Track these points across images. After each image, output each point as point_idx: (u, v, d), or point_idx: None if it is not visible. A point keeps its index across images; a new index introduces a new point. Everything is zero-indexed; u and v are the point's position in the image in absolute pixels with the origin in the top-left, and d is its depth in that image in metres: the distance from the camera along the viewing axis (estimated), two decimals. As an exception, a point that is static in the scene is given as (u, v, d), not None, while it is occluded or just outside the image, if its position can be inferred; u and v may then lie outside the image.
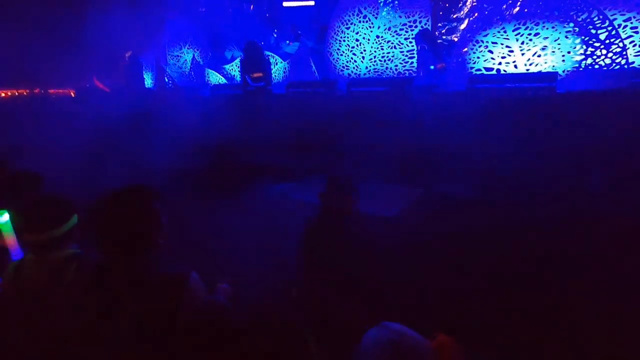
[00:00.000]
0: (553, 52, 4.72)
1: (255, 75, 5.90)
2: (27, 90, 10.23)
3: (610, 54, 4.40)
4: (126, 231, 1.28)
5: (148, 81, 8.72)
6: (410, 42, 5.94)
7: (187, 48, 8.53)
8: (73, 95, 9.86)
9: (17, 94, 10.49)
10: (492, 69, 5.11)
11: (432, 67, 4.70)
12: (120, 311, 1.23)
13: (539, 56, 4.81)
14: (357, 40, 6.42)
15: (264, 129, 4.84)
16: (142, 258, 1.33)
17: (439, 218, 2.77)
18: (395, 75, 6.08)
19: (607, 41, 4.33)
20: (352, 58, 6.50)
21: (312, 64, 6.61)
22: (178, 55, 8.61)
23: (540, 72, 4.71)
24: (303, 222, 2.47)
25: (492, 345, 1.99)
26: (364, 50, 6.39)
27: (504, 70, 5.05)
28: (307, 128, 4.35)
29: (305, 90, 5.66)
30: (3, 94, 10.48)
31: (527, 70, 4.88)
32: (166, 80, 7.79)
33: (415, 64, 5.85)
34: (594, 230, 2.47)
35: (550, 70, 4.72)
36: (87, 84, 9.88)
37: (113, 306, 1.25)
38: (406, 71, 6.08)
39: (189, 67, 8.08)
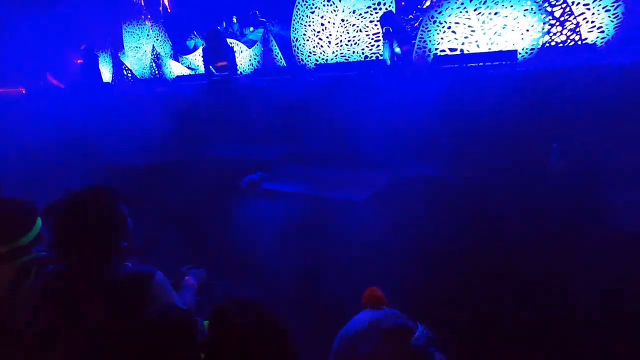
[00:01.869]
0: (513, 30, 4.81)
1: (219, 64, 5.69)
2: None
3: (565, 31, 4.54)
4: (86, 236, 1.21)
5: (107, 75, 8.27)
6: (376, 25, 5.89)
7: (147, 37, 8.11)
8: (24, 93, 9.23)
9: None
10: (455, 49, 5.15)
11: (397, 49, 4.69)
12: (81, 316, 1.16)
13: (499, 35, 4.89)
14: (322, 24, 6.30)
15: (230, 120, 4.71)
16: (103, 262, 1.26)
17: (409, 201, 2.80)
18: (362, 60, 6.04)
19: (562, 18, 4.46)
20: (318, 43, 6.39)
21: (278, 51, 6.46)
22: (137, 46, 8.19)
23: (500, 50, 4.80)
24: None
25: (466, 327, 2.04)
26: (330, 35, 6.29)
27: (467, 50, 5.12)
28: (275, 117, 4.26)
29: (271, 78, 5.53)
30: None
31: (489, 49, 4.96)
32: (124, 73, 7.40)
33: (381, 47, 5.83)
34: (555, 203, 2.56)
35: (511, 49, 4.82)
36: (41, 81, 9.28)
37: (73, 310, 1.18)
38: (373, 54, 6.05)
39: (149, 59, 7.70)
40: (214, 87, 5.27)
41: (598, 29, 4.57)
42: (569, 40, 4.52)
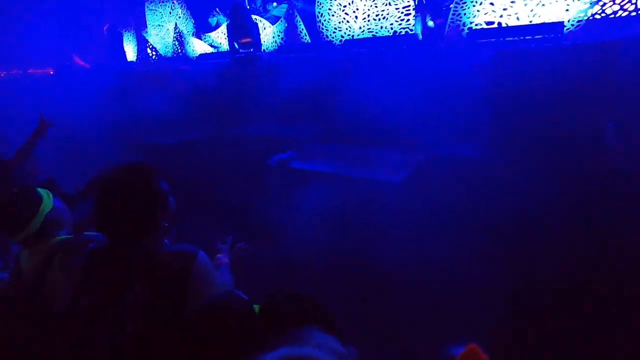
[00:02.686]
0: (557, 0, 4.44)
1: (243, 40, 5.56)
2: (4, 73, 9.75)
3: (617, 0, 4.15)
4: (126, 212, 1.18)
5: (130, 54, 8.28)
6: (406, -2, 5.58)
7: (170, 15, 8.03)
8: (52, 74, 9.41)
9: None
10: (492, 22, 4.82)
11: (430, 23, 4.42)
12: (124, 293, 1.14)
13: (543, 6, 4.52)
14: (349, -2, 6.02)
15: (256, 98, 4.61)
16: (145, 239, 1.23)
17: (447, 181, 2.66)
18: (391, 35, 5.77)
19: (616, -15, 4.06)
20: (344, 18, 6.13)
21: (303, 27, 6.25)
22: (160, 25, 8.12)
23: (543, 23, 4.45)
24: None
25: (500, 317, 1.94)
26: (357, 9, 6.02)
27: (506, 24, 4.78)
28: (304, 94, 4.14)
29: (297, 55, 5.36)
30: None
31: (530, 22, 4.61)
32: (148, 51, 7.38)
33: (412, 22, 5.53)
34: (611, 187, 2.37)
35: (555, 21, 4.46)
36: (67, 62, 9.43)
37: (116, 288, 1.16)
38: (402, 29, 5.76)
39: (172, 37, 7.64)
40: (238, 65, 5.16)
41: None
42: (621, 11, 4.13)
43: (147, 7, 8.24)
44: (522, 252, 2.26)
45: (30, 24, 9.07)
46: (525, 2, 4.67)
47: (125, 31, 8.26)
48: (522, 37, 4.29)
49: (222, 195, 3.15)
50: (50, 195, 1.63)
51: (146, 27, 8.25)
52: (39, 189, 1.62)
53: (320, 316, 0.98)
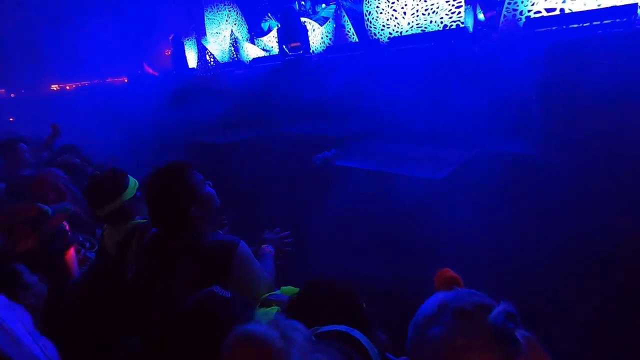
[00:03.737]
0: (631, -21, 4.01)
1: (293, 45, 5.78)
2: (87, 82, 11.06)
3: None
4: (160, 203, 1.38)
5: (192, 61, 8.95)
6: (457, -10, 5.38)
7: (226, 22, 8.55)
8: (126, 82, 10.49)
9: (80, 85, 11.42)
10: (554, 9, 4.49)
11: (480, 15, 4.25)
12: (174, 273, 1.34)
13: (612, -13, 4.12)
14: (396, -6, 5.96)
15: (305, 98, 4.79)
16: (187, 229, 1.41)
17: (493, 179, 2.58)
18: (440, 30, 5.61)
19: None
20: (392, 15, 6.07)
21: (351, 26, 6.31)
22: (217, 32, 8.68)
23: (614, 6, 4.05)
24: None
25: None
26: (405, 5, 5.93)
27: (570, 10, 4.42)
28: (349, 93, 4.22)
29: (343, 54, 5.45)
30: (68, 87, 11.51)
31: (599, 6, 4.22)
32: (207, 58, 7.94)
33: (462, 14, 5.33)
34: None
35: (628, 3, 4.04)
36: (139, 70, 10.44)
37: (168, 267, 1.36)
38: (453, 23, 5.57)
39: (228, 43, 8.13)
40: (287, 67, 5.39)
41: None
42: None
43: (206, 15, 8.85)
44: (573, 253, 2.14)
45: (106, 37, 10.16)
46: (592, -16, 4.28)
47: (187, 40, 8.94)
48: (587, 24, 3.95)
49: (271, 190, 3.35)
50: (137, 184, 1.90)
51: (205, 34, 8.86)
52: (130, 178, 1.90)
53: (351, 314, 1.03)
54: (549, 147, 2.66)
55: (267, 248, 1.78)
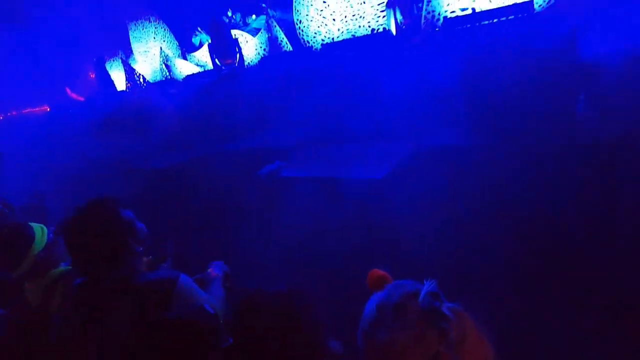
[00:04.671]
0: (526, -21, 4.49)
1: (227, 61, 5.70)
2: (1, 115, 10.00)
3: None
4: (90, 248, 1.27)
5: (120, 83, 8.45)
6: (379, -5, 5.66)
7: (154, 40, 8.19)
8: (48, 110, 9.63)
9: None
10: (466, 9, 4.88)
11: (399, 17, 4.51)
12: (106, 322, 1.23)
13: (511, -14, 4.57)
14: (324, 2, 6.12)
15: (244, 112, 4.72)
16: (120, 268, 1.31)
17: (434, 173, 2.72)
18: (369, 34, 5.84)
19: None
20: (322, 22, 6.22)
21: (283, 36, 6.36)
22: (145, 50, 8.29)
23: (515, 3, 4.50)
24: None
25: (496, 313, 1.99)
26: (333, 12, 6.11)
27: (480, 8, 4.83)
28: (287, 101, 4.23)
29: (278, 64, 5.46)
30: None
31: (503, 3, 4.66)
32: (137, 79, 7.54)
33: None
34: (588, 160, 2.42)
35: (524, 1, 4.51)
36: (62, 97, 9.63)
37: (98, 317, 1.24)
38: (380, 26, 5.83)
39: (158, 61, 7.79)
40: (223, 82, 5.28)
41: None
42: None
43: (131, 34, 8.41)
44: (514, 238, 2.31)
45: (22, 64, 9.28)
46: (495, -16, 4.73)
47: (112, 60, 8.43)
48: (494, 20, 4.35)
49: (218, 211, 3.25)
50: (45, 230, 1.71)
51: (132, 55, 8.42)
52: (34, 225, 1.69)
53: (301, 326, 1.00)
54: (476, 135, 2.87)
55: (214, 272, 1.71)
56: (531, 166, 2.53)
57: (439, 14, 5.07)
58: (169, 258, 1.97)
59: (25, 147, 6.28)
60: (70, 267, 1.64)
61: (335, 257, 2.58)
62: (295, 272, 2.50)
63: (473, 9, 4.91)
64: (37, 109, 10.11)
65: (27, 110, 9.85)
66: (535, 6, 4.31)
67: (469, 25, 4.58)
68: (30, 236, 1.64)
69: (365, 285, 1.00)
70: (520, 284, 2.09)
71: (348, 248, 2.64)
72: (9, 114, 9.99)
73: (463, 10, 5.00)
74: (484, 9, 4.83)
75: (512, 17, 4.23)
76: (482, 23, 4.53)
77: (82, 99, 9.25)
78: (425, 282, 0.81)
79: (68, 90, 9.56)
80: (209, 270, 1.72)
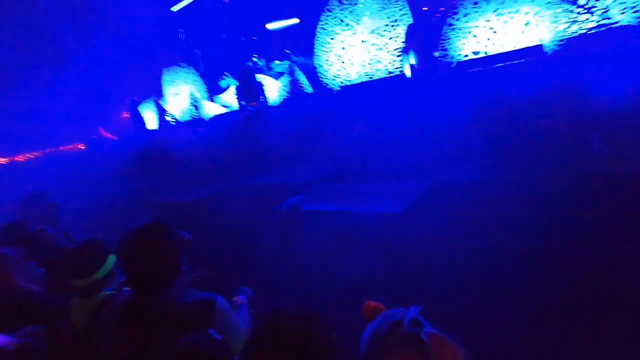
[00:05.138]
0: (537, 25, 4.74)
1: (251, 104, 6.10)
2: (40, 152, 10.70)
3: (594, 17, 4.40)
4: (143, 269, 1.37)
5: (152, 122, 9.03)
6: (395, 41, 6.04)
7: (184, 84, 8.82)
8: (83, 148, 10.27)
9: (32, 156, 10.99)
10: (478, 52, 5.14)
11: (413, 61, 4.79)
12: (152, 344, 1.31)
13: (523, 32, 4.83)
14: (343, 48, 6.56)
15: (267, 150, 4.97)
16: (163, 292, 1.41)
17: (447, 208, 2.80)
18: (385, 76, 6.17)
19: (587, 5, 4.34)
20: (341, 66, 6.63)
21: (304, 79, 6.77)
22: (176, 93, 8.91)
23: (526, 47, 4.73)
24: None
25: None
26: (352, 57, 6.52)
27: (492, 52, 5.08)
28: (306, 141, 4.45)
29: (300, 104, 5.79)
30: (20, 159, 11.03)
31: (514, 47, 4.90)
32: (167, 119, 8.08)
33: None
34: (603, 196, 2.46)
35: (538, 43, 4.73)
36: (95, 136, 10.26)
37: (145, 339, 1.32)
38: (396, 69, 6.17)
39: (188, 102, 8.36)
40: (248, 121, 5.62)
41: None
42: (599, 26, 4.37)
43: (164, 78, 9.11)
44: (529, 266, 2.33)
45: (60, 103, 9.98)
46: (507, 30, 5.00)
47: (145, 102, 9.07)
48: (506, 63, 4.57)
49: (240, 242, 3.37)
50: (114, 258, 1.83)
51: (163, 96, 9.06)
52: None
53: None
54: (489, 170, 2.96)
55: (240, 299, 1.80)
56: (544, 200, 2.58)
57: (452, 57, 5.36)
58: (198, 285, 2.09)
59: (66, 181, 6.68)
60: (114, 292, 1.74)
61: (352, 286, 2.63)
62: (314, 299, 2.55)
63: (486, 53, 5.18)
64: (72, 146, 10.80)
65: (63, 148, 10.52)
66: (547, 49, 4.52)
67: (480, 68, 4.81)
68: (108, 250, 1.76)
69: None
70: (534, 317, 2.08)
71: (365, 278, 2.69)
72: (46, 150, 10.68)
73: (476, 54, 5.28)
74: (496, 52, 5.10)
75: (523, 60, 4.44)
76: (495, 65, 4.77)
77: (115, 137, 9.85)
78: (410, 309, 0.89)
79: (101, 130, 10.23)
80: (235, 298, 1.81)
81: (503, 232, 2.56)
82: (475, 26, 5.09)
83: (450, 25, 5.33)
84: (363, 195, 3.32)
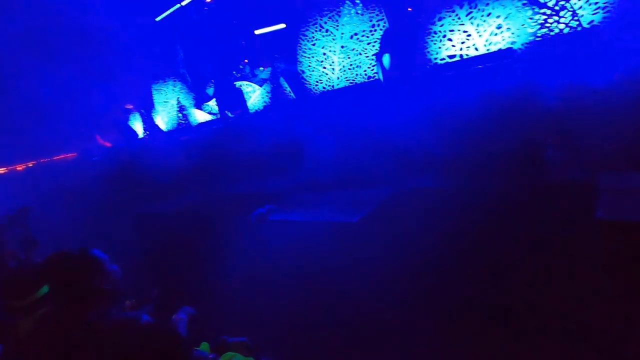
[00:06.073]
0: (508, 28, 4.77)
1: (237, 111, 6.16)
2: (34, 162, 10.82)
3: (563, 19, 4.42)
4: (69, 288, 1.44)
5: (140, 131, 9.11)
6: (374, 46, 6.07)
7: (172, 91, 8.90)
8: (75, 156, 10.39)
9: (25, 167, 11.14)
10: (454, 56, 5.17)
11: (386, 65, 4.82)
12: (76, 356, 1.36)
13: (495, 35, 4.85)
14: (324, 54, 6.60)
15: (244, 157, 5.02)
16: (91, 309, 1.46)
17: (408, 216, 2.83)
18: (365, 81, 6.21)
19: (556, 7, 4.36)
20: (323, 71, 6.67)
21: (287, 85, 6.82)
22: (165, 101, 8.99)
23: (499, 50, 4.75)
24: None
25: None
26: (333, 62, 6.57)
27: (467, 55, 5.11)
28: (282, 149, 4.50)
29: (279, 111, 5.84)
30: (18, 168, 11.20)
31: (488, 50, 4.92)
32: (155, 127, 8.16)
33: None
34: (556, 200, 2.48)
35: (509, 46, 4.75)
36: (91, 144, 10.38)
37: (68, 353, 1.38)
38: (375, 74, 6.20)
39: (176, 110, 8.43)
40: (228, 129, 5.67)
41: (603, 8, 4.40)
42: (567, 28, 4.39)
43: (154, 87, 9.19)
44: (481, 270, 2.35)
45: (54, 114, 10.07)
46: (480, 33, 5.03)
47: (135, 111, 9.16)
48: (479, 66, 4.59)
49: (208, 252, 3.41)
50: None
51: (154, 106, 9.14)
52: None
53: None
54: (449, 177, 2.99)
55: (179, 316, 1.84)
56: (502, 206, 2.60)
57: (428, 61, 5.39)
58: (152, 301, 2.13)
59: (56, 191, 6.74)
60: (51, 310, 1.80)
61: (316, 293, 2.67)
62: (279, 308, 2.59)
63: (461, 56, 5.21)
64: (65, 155, 10.92)
65: (57, 157, 10.64)
66: (518, 50, 4.55)
67: (451, 73, 4.85)
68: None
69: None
70: (493, 320, 2.10)
71: (327, 285, 2.72)
72: (40, 160, 10.81)
73: (451, 57, 5.31)
74: (470, 55, 5.13)
75: (494, 63, 4.47)
76: (468, 69, 4.80)
77: (109, 144, 9.95)
78: None
79: (98, 138, 10.34)
80: (174, 316, 1.85)
81: (455, 239, 2.59)
82: (450, 30, 5.12)
83: (426, 29, 5.37)
84: (328, 204, 3.35)
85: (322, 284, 2.76)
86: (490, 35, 4.85)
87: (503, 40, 4.77)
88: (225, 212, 3.90)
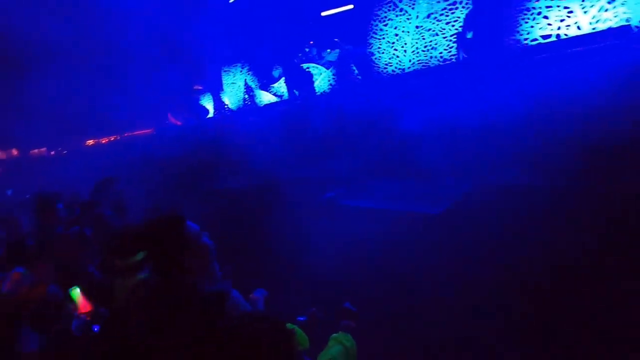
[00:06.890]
0: (624, 2, 4.07)
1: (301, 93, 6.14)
2: (118, 136, 11.92)
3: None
4: (152, 257, 1.47)
5: (210, 111, 9.54)
6: (453, 26, 5.61)
7: (240, 73, 9.15)
8: (153, 132, 11.26)
9: (112, 139, 12.36)
10: (549, 36, 4.58)
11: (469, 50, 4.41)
12: (168, 326, 1.41)
13: (606, 10, 4.19)
14: (396, 35, 6.27)
15: (313, 140, 4.99)
16: (185, 278, 1.50)
17: (492, 212, 2.58)
18: (440, 63, 5.79)
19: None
20: (393, 54, 6.35)
21: (354, 68, 6.63)
22: (233, 82, 9.29)
23: (609, 28, 4.10)
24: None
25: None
26: (405, 44, 6.21)
27: (565, 35, 4.49)
28: (350, 133, 4.37)
29: (346, 95, 5.70)
30: (104, 141, 12.51)
31: (594, 29, 4.27)
32: (224, 107, 8.47)
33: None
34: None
35: (623, 23, 4.08)
36: (165, 121, 11.19)
37: (163, 321, 1.44)
38: (452, 56, 5.75)
39: (242, 92, 8.67)
40: (295, 111, 5.67)
41: None
42: None
43: (223, 69, 9.54)
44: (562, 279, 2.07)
45: (134, 92, 10.94)
46: (585, 10, 4.36)
47: (206, 92, 9.60)
48: (582, 48, 4.00)
49: (281, 232, 3.45)
50: None
51: (222, 87, 9.50)
52: None
53: None
54: (547, 174, 2.65)
55: (256, 294, 1.85)
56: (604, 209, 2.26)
57: (518, 41, 4.84)
58: (231, 277, 2.19)
59: (134, 163, 7.37)
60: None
61: (378, 285, 2.57)
62: (341, 292, 2.54)
63: (558, 36, 4.58)
64: (144, 130, 11.89)
65: (137, 132, 11.61)
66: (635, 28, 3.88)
67: (547, 55, 4.30)
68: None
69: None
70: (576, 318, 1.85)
71: (400, 276, 2.60)
72: (124, 134, 11.88)
73: (545, 38, 4.70)
74: (570, 35, 4.48)
75: (603, 44, 3.86)
76: (567, 51, 4.21)
77: (180, 123, 10.64)
78: None
79: (170, 116, 11.10)
80: (251, 295, 1.87)
81: (543, 241, 2.31)
82: (547, 6, 4.53)
83: (517, 6, 4.80)
84: (402, 192, 3.19)
85: (394, 276, 2.65)
86: (600, 10, 4.20)
87: (616, 16, 4.10)
88: (290, 195, 3.91)
